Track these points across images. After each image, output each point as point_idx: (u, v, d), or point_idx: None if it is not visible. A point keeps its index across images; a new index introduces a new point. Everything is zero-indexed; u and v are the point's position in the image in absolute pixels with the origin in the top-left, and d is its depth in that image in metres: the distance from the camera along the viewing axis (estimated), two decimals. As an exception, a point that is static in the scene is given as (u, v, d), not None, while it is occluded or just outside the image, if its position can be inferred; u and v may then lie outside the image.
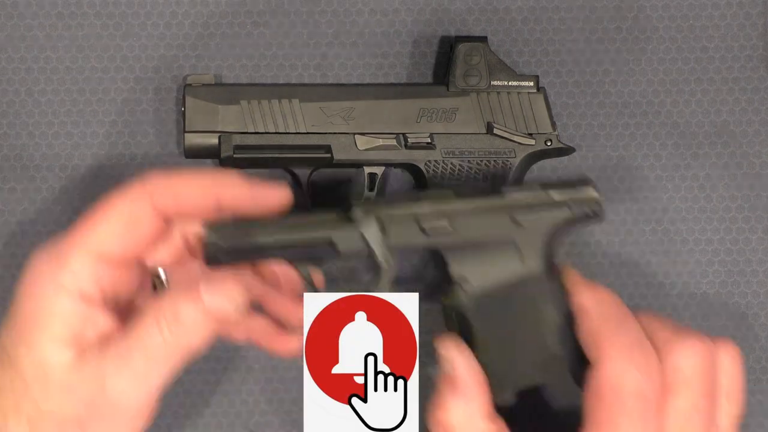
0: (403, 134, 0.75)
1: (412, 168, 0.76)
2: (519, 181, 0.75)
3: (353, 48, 0.78)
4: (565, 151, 0.76)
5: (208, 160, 0.76)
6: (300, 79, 0.78)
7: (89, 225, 0.65)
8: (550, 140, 0.75)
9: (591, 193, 0.67)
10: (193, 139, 0.74)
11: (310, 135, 0.75)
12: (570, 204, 0.67)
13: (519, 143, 0.75)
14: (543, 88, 0.75)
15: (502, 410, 0.67)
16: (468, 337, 0.67)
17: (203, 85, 0.75)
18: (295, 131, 0.75)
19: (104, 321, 0.65)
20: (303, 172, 0.76)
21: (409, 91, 0.75)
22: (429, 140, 0.75)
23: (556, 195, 0.67)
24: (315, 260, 0.67)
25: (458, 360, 0.65)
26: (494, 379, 0.66)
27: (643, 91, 0.79)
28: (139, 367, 0.64)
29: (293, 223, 0.67)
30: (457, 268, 0.67)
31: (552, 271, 0.67)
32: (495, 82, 0.75)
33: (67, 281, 0.64)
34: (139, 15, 0.77)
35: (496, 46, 0.78)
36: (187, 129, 0.74)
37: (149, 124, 0.77)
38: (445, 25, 0.78)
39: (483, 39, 0.75)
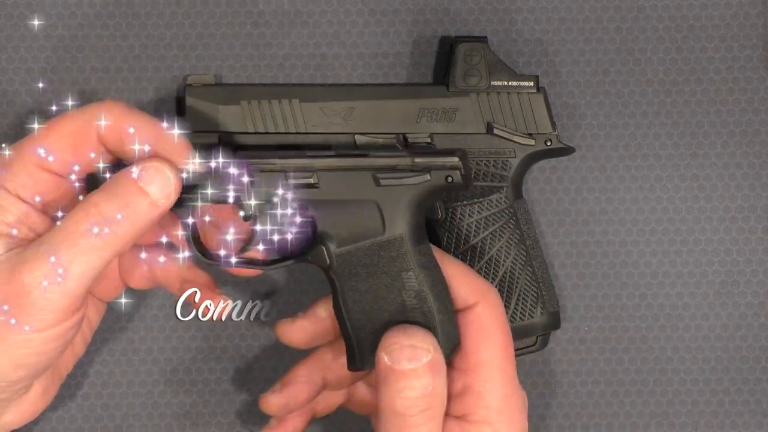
0: (403, 134, 0.75)
1: (412, 168, 0.76)
2: (519, 181, 0.75)
3: (353, 48, 0.78)
4: (565, 151, 0.76)
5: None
6: (300, 79, 0.78)
7: (39, 135, 0.68)
8: (550, 140, 0.75)
9: (452, 160, 0.69)
10: (193, 140, 0.74)
11: (310, 135, 0.75)
12: (431, 170, 0.69)
13: (519, 143, 0.75)
14: (543, 88, 0.75)
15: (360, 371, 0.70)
16: (336, 297, 0.69)
17: (203, 85, 0.75)
18: (295, 131, 0.75)
19: (41, 221, 0.67)
20: (303, 172, 0.76)
21: (409, 91, 0.75)
22: (429, 140, 0.75)
23: (419, 160, 0.69)
24: (188, 201, 0.68)
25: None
26: (360, 344, 0.69)
27: (643, 91, 0.79)
28: (60, 257, 0.64)
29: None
30: (322, 225, 0.69)
31: (415, 236, 0.69)
32: (495, 82, 0.75)
33: (7, 181, 0.67)
34: (139, 15, 0.77)
35: (496, 46, 0.78)
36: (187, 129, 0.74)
37: (149, 124, 0.77)
38: (445, 25, 0.78)
39: (483, 39, 0.75)
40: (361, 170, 0.68)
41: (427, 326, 0.68)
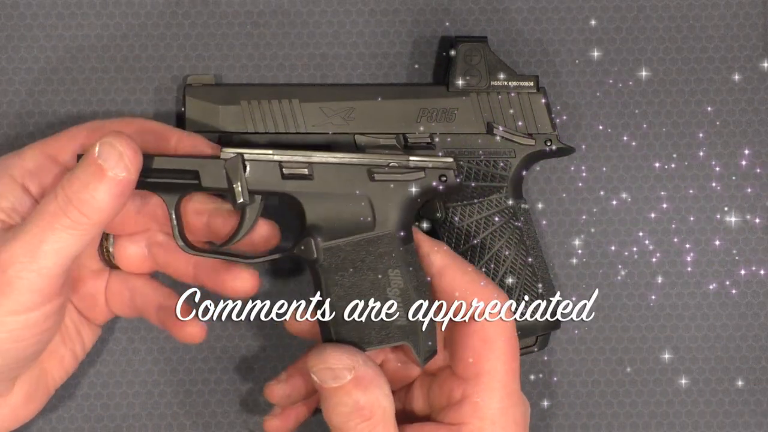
0: (403, 134, 0.75)
1: (412, 168, 0.76)
2: (519, 181, 0.75)
3: (353, 48, 0.78)
4: (565, 151, 0.76)
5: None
6: (300, 79, 0.78)
7: (57, 134, 0.70)
8: (550, 140, 0.75)
9: (447, 160, 0.69)
10: (193, 139, 0.74)
11: (310, 135, 0.75)
12: (426, 169, 0.68)
13: (519, 143, 0.75)
14: (543, 88, 0.75)
15: None
16: (319, 291, 0.69)
17: (203, 85, 0.75)
18: (295, 131, 0.75)
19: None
20: (303, 172, 0.76)
21: (409, 91, 0.75)
22: (429, 140, 0.75)
23: (413, 157, 0.68)
24: (180, 190, 0.68)
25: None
26: (338, 339, 0.68)
27: (643, 91, 0.79)
28: (31, 234, 0.64)
29: (172, 153, 0.69)
30: (313, 217, 0.68)
31: (405, 235, 0.69)
32: (495, 82, 0.75)
33: (16, 168, 0.69)
34: (139, 15, 0.77)
35: (496, 46, 0.78)
36: (187, 129, 0.74)
37: (149, 124, 0.77)
38: (445, 25, 0.78)
39: (483, 39, 0.75)
40: (356, 165, 0.68)
41: (410, 325, 0.68)
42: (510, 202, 0.75)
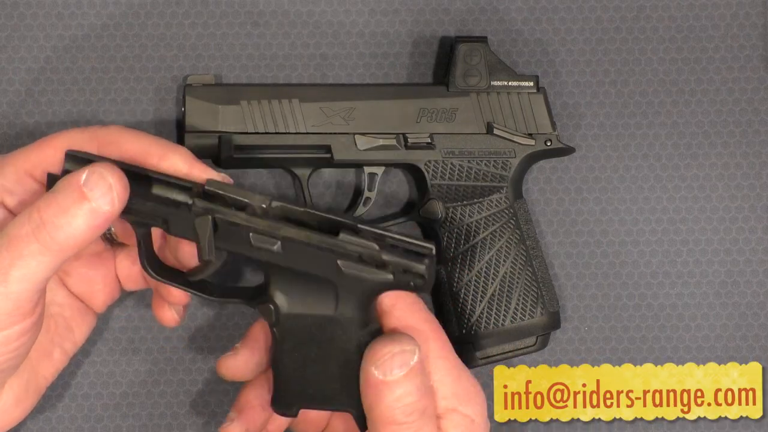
0: (403, 134, 0.75)
1: (412, 168, 0.76)
2: (519, 181, 0.76)
3: (353, 48, 0.78)
4: (565, 151, 0.76)
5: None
6: (300, 79, 0.78)
7: (35, 146, 0.68)
8: (550, 140, 0.75)
9: (419, 268, 0.65)
10: (193, 140, 0.74)
11: (310, 135, 0.75)
12: (395, 271, 0.65)
13: (519, 143, 0.75)
14: (543, 88, 0.75)
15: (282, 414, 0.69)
16: (275, 345, 0.68)
17: (203, 85, 0.75)
18: (295, 131, 0.75)
19: None
20: (303, 173, 0.76)
21: (409, 91, 0.75)
22: (429, 140, 0.75)
23: (386, 257, 0.65)
24: (149, 226, 0.67)
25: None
26: (285, 394, 0.68)
27: (643, 91, 0.79)
28: (1, 260, 0.63)
29: (147, 193, 0.66)
30: (276, 288, 0.67)
31: (366, 322, 0.67)
32: (495, 82, 0.75)
33: None
34: (139, 15, 0.77)
35: (496, 46, 0.78)
36: (187, 129, 0.74)
37: (149, 124, 0.77)
38: (445, 25, 0.78)
39: (483, 39, 0.75)
40: (326, 252, 0.65)
41: (353, 396, 0.67)
42: (510, 202, 0.75)
